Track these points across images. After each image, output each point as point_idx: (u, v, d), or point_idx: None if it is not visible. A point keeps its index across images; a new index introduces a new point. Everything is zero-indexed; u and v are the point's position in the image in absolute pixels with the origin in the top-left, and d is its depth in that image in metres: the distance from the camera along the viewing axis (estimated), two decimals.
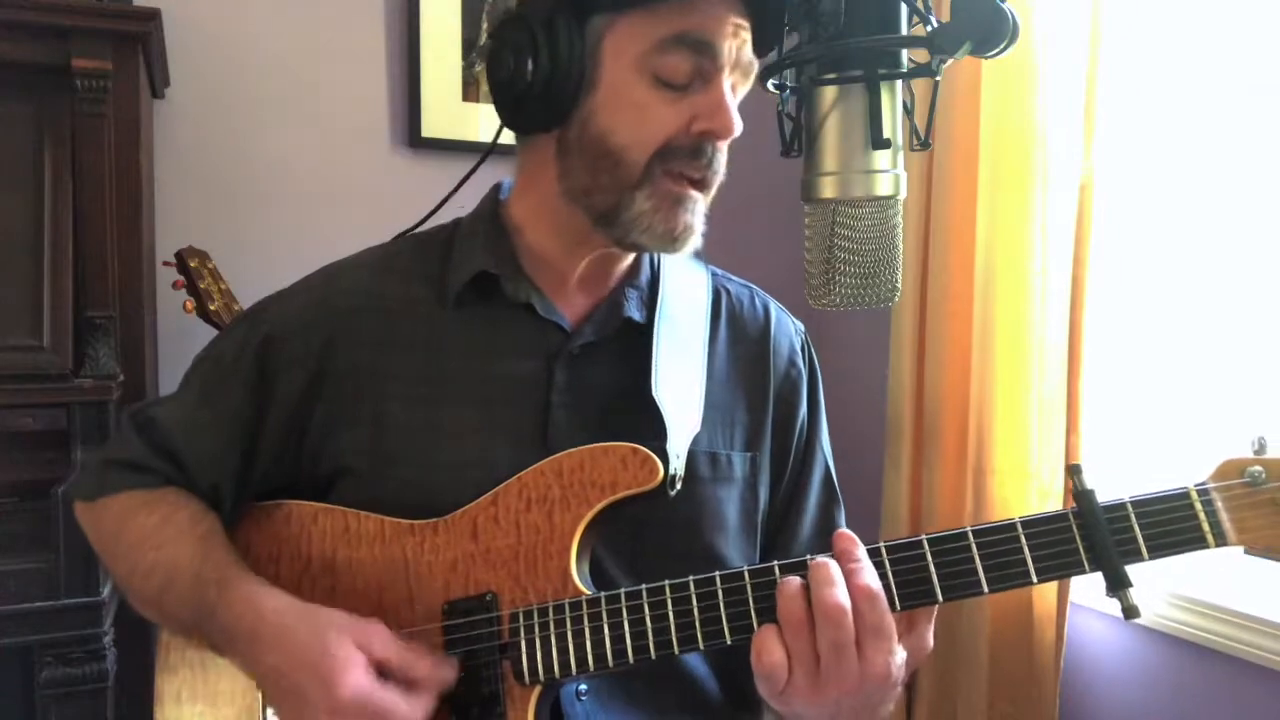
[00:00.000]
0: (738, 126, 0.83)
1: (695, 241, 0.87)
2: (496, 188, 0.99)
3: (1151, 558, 0.73)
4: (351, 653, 0.75)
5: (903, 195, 0.74)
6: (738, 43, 0.83)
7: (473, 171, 1.01)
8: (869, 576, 0.72)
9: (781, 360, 1.01)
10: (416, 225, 1.03)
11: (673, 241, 0.86)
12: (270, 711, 0.87)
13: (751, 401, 0.98)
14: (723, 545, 0.93)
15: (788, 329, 1.04)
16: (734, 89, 0.85)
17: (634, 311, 0.93)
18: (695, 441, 0.90)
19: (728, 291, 1.03)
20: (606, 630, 0.79)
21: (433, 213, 1.03)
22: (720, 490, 0.93)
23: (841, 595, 0.71)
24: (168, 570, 0.86)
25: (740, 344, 1.00)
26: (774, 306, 1.05)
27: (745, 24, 0.83)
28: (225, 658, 0.85)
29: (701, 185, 0.86)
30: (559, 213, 0.90)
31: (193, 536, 0.88)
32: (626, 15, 0.83)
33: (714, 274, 1.04)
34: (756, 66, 0.85)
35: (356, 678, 0.74)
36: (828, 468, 1.04)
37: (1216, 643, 1.58)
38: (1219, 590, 1.59)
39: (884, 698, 0.74)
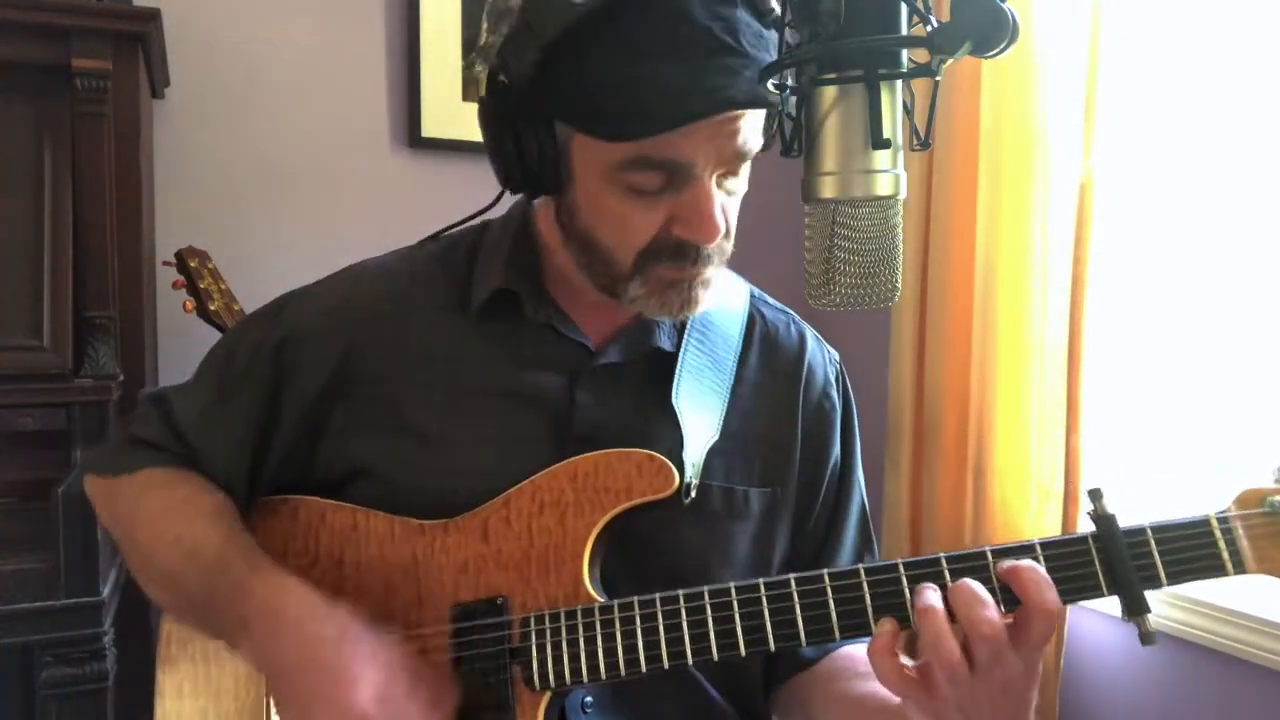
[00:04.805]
0: (721, 229, 0.80)
1: (704, 305, 0.86)
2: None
3: (1170, 584, 0.72)
4: (371, 662, 0.74)
5: (903, 195, 0.74)
6: (721, 140, 0.77)
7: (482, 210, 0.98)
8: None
9: (814, 391, 0.99)
10: (427, 240, 1.01)
11: (673, 314, 0.86)
12: (275, 707, 0.87)
13: (777, 432, 0.96)
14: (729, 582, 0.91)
15: (822, 359, 1.01)
16: (725, 176, 0.81)
17: (664, 340, 0.92)
18: (711, 474, 0.89)
19: (763, 316, 1.00)
20: (619, 638, 0.78)
21: (444, 231, 1.01)
22: (734, 526, 0.91)
23: (995, 615, 0.69)
24: (191, 545, 0.85)
25: (770, 371, 0.97)
26: (810, 335, 1.02)
27: (735, 115, 0.77)
28: (231, 645, 0.83)
29: (698, 263, 0.83)
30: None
31: (218, 520, 0.87)
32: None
33: (752, 296, 1.01)
34: (758, 145, 0.80)
35: (372, 687, 0.73)
36: (863, 508, 1.02)
37: (1216, 643, 1.58)
38: (1218, 590, 1.59)
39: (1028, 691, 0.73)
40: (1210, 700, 1.61)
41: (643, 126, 0.75)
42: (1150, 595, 0.72)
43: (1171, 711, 1.67)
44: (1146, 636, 0.71)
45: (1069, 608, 1.74)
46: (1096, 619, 1.80)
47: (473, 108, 2.23)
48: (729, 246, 0.86)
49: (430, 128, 2.23)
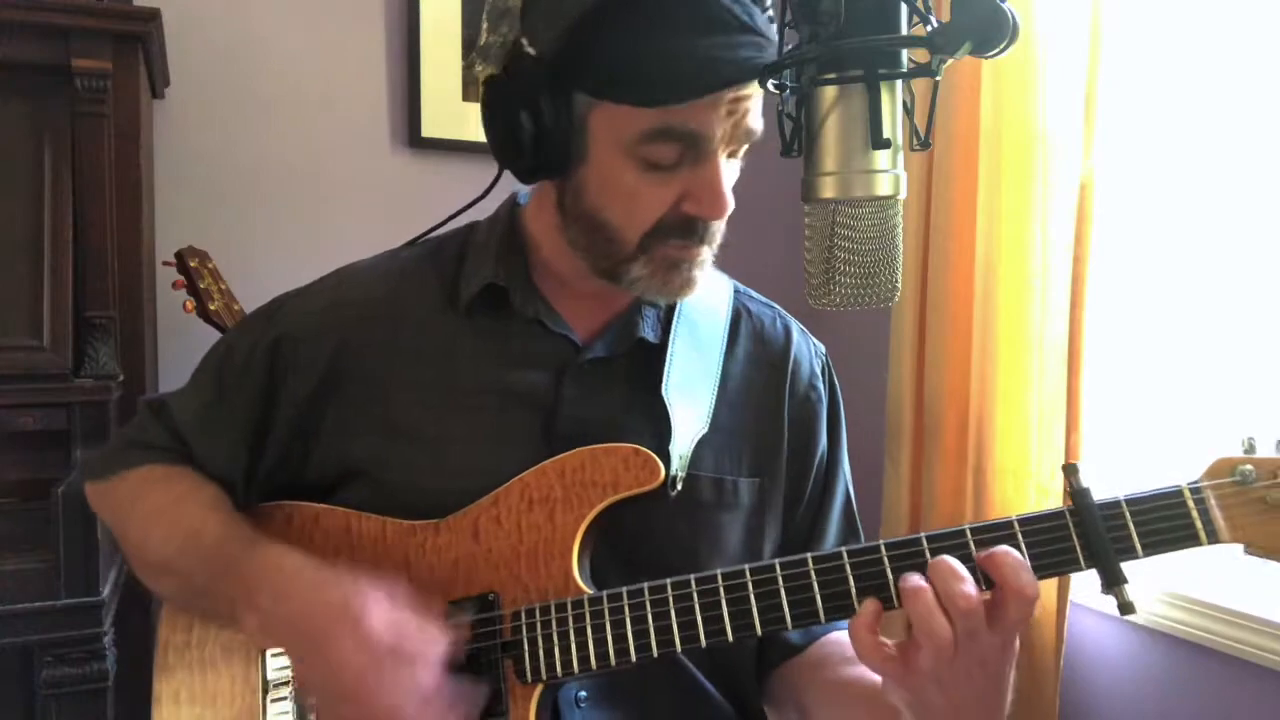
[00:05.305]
0: (731, 205, 0.83)
1: (698, 288, 0.88)
2: (512, 196, 0.99)
3: (1146, 555, 0.73)
4: (375, 593, 0.76)
5: (903, 195, 0.74)
6: (736, 116, 0.80)
7: (475, 201, 1.00)
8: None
9: (800, 384, 1.00)
10: (415, 240, 1.02)
11: (671, 296, 0.88)
12: (270, 712, 0.87)
13: (764, 424, 0.96)
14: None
15: (808, 352, 1.02)
16: (731, 155, 0.84)
17: (648, 332, 0.93)
18: (701, 465, 0.90)
19: (748, 311, 1.01)
20: (609, 629, 0.79)
21: (437, 227, 1.02)
22: (723, 516, 0.92)
23: (973, 589, 0.70)
24: (190, 532, 0.87)
25: (757, 365, 0.98)
26: (795, 328, 1.03)
27: (748, 93, 0.80)
28: (235, 623, 0.83)
29: (703, 242, 0.86)
30: (567, 246, 0.90)
31: (218, 510, 0.89)
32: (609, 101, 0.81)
33: (737, 291, 1.02)
34: (760, 130, 0.83)
35: (382, 610, 0.75)
36: (848, 499, 1.03)
37: (1216, 643, 1.58)
38: (1218, 590, 1.59)
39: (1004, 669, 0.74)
40: (1210, 700, 1.61)
41: (679, 91, 0.77)
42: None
43: (1171, 711, 1.67)
44: (1125, 606, 0.72)
45: (1069, 609, 1.74)
46: (1096, 619, 1.80)
47: (473, 108, 2.23)
48: (722, 230, 0.88)
49: (430, 128, 2.23)
